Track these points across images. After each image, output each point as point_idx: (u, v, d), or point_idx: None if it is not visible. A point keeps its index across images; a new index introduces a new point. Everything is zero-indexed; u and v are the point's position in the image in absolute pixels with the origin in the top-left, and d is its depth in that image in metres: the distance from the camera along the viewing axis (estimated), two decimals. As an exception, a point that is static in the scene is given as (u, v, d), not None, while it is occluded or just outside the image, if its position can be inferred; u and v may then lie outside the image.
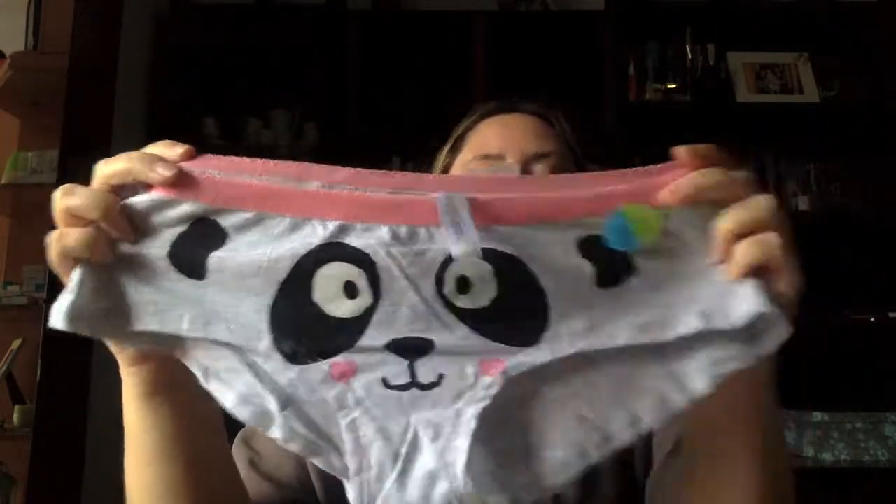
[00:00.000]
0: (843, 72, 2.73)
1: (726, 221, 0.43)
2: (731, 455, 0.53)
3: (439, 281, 0.44)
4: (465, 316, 0.44)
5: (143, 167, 0.46)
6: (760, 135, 2.77)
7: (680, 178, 0.44)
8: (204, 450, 0.56)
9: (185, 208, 0.45)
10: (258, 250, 0.45)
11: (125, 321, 0.45)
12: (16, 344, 2.19)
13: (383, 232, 0.44)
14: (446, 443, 0.44)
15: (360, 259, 0.44)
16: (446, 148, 0.89)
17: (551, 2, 2.84)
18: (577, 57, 2.69)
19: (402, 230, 0.44)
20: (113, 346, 0.50)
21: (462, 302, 0.44)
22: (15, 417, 2.13)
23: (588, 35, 2.70)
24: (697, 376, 0.45)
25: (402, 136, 2.71)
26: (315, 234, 0.45)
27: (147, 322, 0.45)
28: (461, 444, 0.44)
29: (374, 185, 0.45)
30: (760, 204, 0.44)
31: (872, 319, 2.54)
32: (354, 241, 0.44)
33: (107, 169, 0.47)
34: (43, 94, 2.25)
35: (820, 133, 2.73)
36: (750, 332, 0.44)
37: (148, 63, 2.64)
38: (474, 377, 0.44)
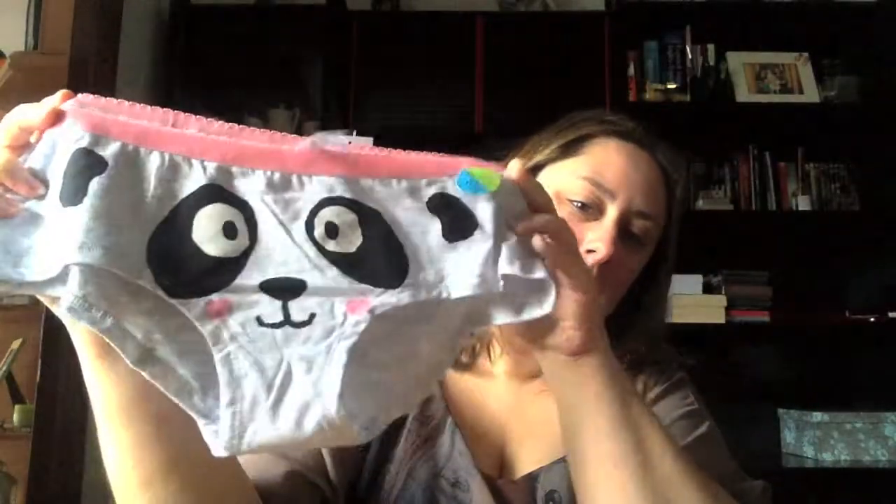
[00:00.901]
0: (843, 72, 2.73)
1: (533, 219, 0.54)
2: (593, 455, 0.60)
3: (309, 226, 0.48)
4: (335, 259, 0.48)
5: (22, 113, 0.47)
6: (760, 135, 2.77)
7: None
8: (173, 406, 0.52)
9: (69, 141, 0.46)
10: (140, 186, 0.46)
11: (33, 271, 0.45)
12: (16, 344, 2.19)
13: (258, 177, 0.48)
14: (319, 374, 0.46)
15: (239, 203, 0.47)
16: (559, 141, 0.83)
17: (551, 2, 2.84)
18: (577, 57, 2.69)
19: (276, 177, 0.48)
20: (49, 305, 0.49)
21: (332, 246, 0.48)
22: (15, 417, 2.14)
23: (588, 35, 2.70)
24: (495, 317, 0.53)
25: (402, 136, 2.71)
26: (195, 175, 0.47)
27: (50, 267, 0.45)
28: (334, 375, 0.46)
29: (248, 138, 0.49)
30: (551, 219, 0.55)
31: (872, 319, 2.55)
32: (233, 185, 0.47)
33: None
34: (43, 94, 2.24)
35: (820, 133, 2.73)
36: (531, 300, 0.53)
37: (148, 63, 2.64)
38: (343, 316, 0.47)
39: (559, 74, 2.65)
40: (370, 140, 0.51)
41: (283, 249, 0.47)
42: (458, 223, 0.51)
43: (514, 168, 0.55)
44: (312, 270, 0.47)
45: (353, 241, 0.48)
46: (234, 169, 0.47)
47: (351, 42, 2.72)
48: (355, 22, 2.75)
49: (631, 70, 2.72)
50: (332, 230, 0.48)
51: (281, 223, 0.47)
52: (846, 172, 2.77)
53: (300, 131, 2.68)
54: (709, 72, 2.72)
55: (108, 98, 0.49)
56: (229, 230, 0.46)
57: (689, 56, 2.73)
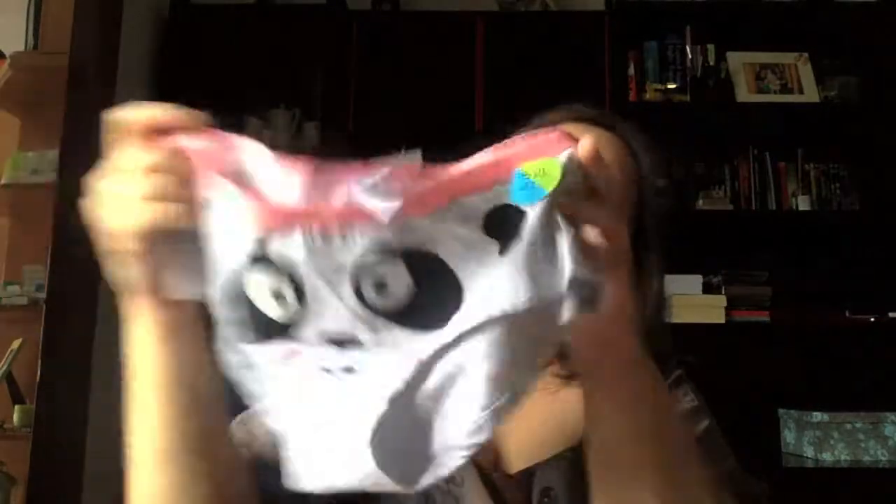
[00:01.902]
0: (843, 72, 2.73)
1: (599, 211, 0.48)
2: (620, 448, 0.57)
3: (355, 282, 0.46)
4: (384, 313, 0.46)
5: (178, 114, 0.49)
6: (760, 135, 2.77)
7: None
8: (205, 402, 0.57)
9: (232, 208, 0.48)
10: (215, 241, 0.49)
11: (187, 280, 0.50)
12: (16, 344, 2.19)
13: (298, 240, 0.46)
14: (358, 425, 0.46)
15: (281, 268, 0.46)
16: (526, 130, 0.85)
17: (551, 2, 2.84)
18: (577, 57, 2.69)
19: (316, 236, 0.46)
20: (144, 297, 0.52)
21: (381, 302, 0.46)
22: (15, 417, 2.13)
23: (588, 35, 2.70)
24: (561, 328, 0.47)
25: (402, 135, 2.71)
26: (243, 243, 0.47)
27: (193, 284, 0.49)
28: (370, 426, 0.46)
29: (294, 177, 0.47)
30: (612, 217, 0.49)
31: (872, 319, 2.55)
32: (274, 251, 0.46)
33: (148, 118, 0.49)
34: (43, 94, 2.25)
35: (820, 133, 2.73)
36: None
37: (148, 63, 2.64)
38: (393, 366, 0.47)
39: (559, 74, 2.65)
40: (418, 153, 0.45)
41: (332, 310, 0.46)
42: (508, 237, 0.46)
43: (585, 147, 0.48)
44: (364, 328, 0.46)
45: (403, 291, 0.46)
46: (275, 234, 0.47)
47: (351, 42, 2.72)
48: (355, 22, 2.75)
49: (631, 70, 2.72)
50: (379, 284, 0.46)
51: (326, 284, 0.46)
52: (846, 172, 2.77)
53: (300, 131, 2.68)
54: (709, 72, 2.72)
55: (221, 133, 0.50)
56: (278, 297, 0.47)
57: (689, 56, 2.72)
